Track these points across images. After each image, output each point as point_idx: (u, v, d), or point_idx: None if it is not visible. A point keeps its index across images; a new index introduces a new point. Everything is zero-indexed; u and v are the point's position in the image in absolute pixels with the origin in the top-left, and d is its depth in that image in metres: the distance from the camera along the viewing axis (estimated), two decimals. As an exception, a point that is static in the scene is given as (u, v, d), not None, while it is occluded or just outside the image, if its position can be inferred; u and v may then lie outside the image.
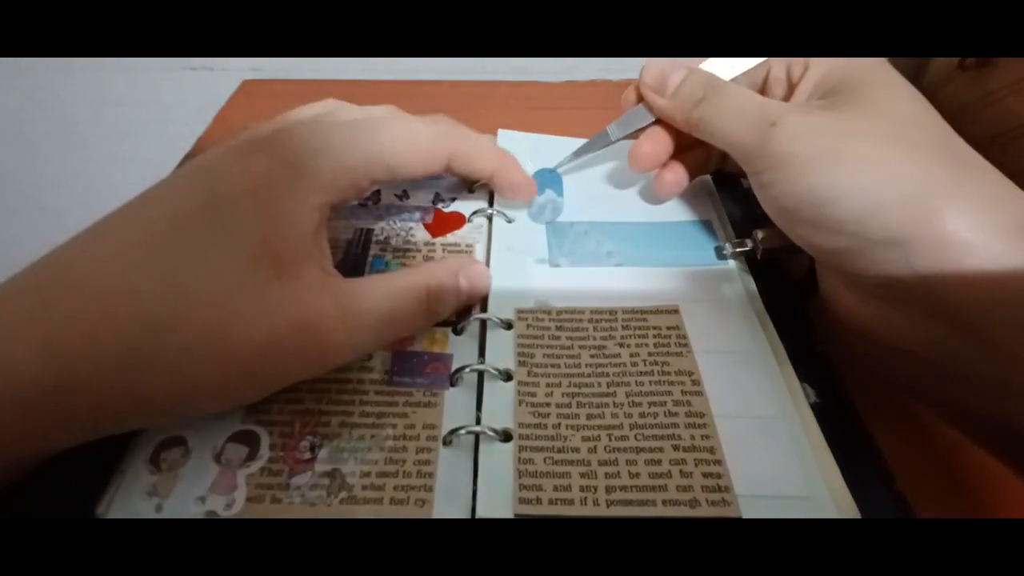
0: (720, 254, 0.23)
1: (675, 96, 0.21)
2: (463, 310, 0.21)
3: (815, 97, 0.19)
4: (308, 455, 0.17)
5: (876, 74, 0.18)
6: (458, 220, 0.25)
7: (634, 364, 0.19)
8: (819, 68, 0.20)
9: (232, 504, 0.16)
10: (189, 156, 0.31)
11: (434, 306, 0.19)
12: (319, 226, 0.17)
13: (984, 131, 0.31)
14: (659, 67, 0.22)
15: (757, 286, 0.21)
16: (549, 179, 0.25)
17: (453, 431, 0.17)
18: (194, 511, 0.15)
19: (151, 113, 0.41)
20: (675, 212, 0.25)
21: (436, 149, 0.20)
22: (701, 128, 0.20)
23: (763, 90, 0.22)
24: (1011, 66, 0.29)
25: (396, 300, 0.17)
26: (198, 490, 0.16)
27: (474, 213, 0.25)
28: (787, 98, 0.21)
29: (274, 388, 0.16)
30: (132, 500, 0.15)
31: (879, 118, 0.17)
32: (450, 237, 0.24)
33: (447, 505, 0.16)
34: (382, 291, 0.17)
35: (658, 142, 0.23)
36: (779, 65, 0.21)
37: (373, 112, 0.21)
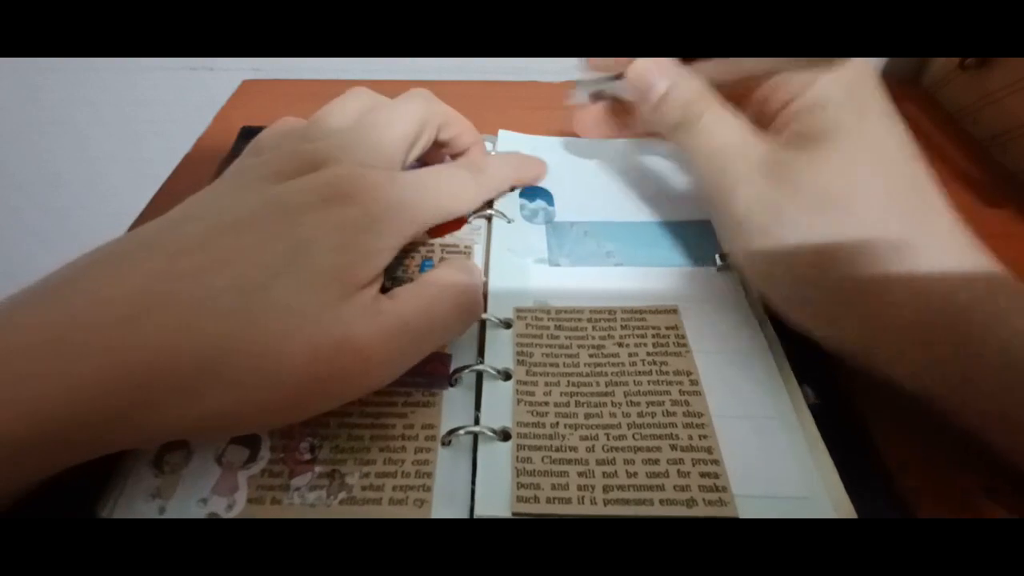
0: (715, 262, 0.23)
1: (655, 111, 0.21)
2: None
3: (794, 127, 0.19)
4: (308, 456, 0.17)
5: (849, 118, 0.18)
6: (457, 221, 0.25)
7: (632, 364, 0.19)
8: (803, 101, 0.19)
9: (233, 505, 0.16)
10: (189, 156, 0.31)
11: (471, 308, 0.19)
12: (387, 263, 0.18)
13: (984, 131, 0.31)
14: (644, 69, 0.21)
15: (756, 286, 0.21)
16: (540, 192, 0.26)
17: (452, 431, 0.17)
18: (196, 513, 0.15)
19: (151, 113, 0.41)
20: (675, 212, 0.25)
21: (479, 197, 0.23)
22: (678, 146, 0.21)
23: (757, 95, 0.22)
24: (1011, 66, 0.29)
25: (434, 311, 0.17)
26: (200, 492, 0.16)
27: (473, 214, 0.25)
28: (778, 111, 0.21)
29: (321, 410, 0.16)
30: (136, 502, 0.16)
31: (834, 181, 0.17)
32: (448, 238, 0.24)
33: (446, 505, 0.16)
34: (419, 306, 0.17)
35: (608, 121, 0.24)
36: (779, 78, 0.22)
37: (406, 106, 0.21)
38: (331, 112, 0.21)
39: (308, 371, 0.15)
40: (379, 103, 0.22)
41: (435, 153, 0.24)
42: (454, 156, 0.25)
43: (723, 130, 0.20)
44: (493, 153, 0.27)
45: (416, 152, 0.22)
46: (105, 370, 0.13)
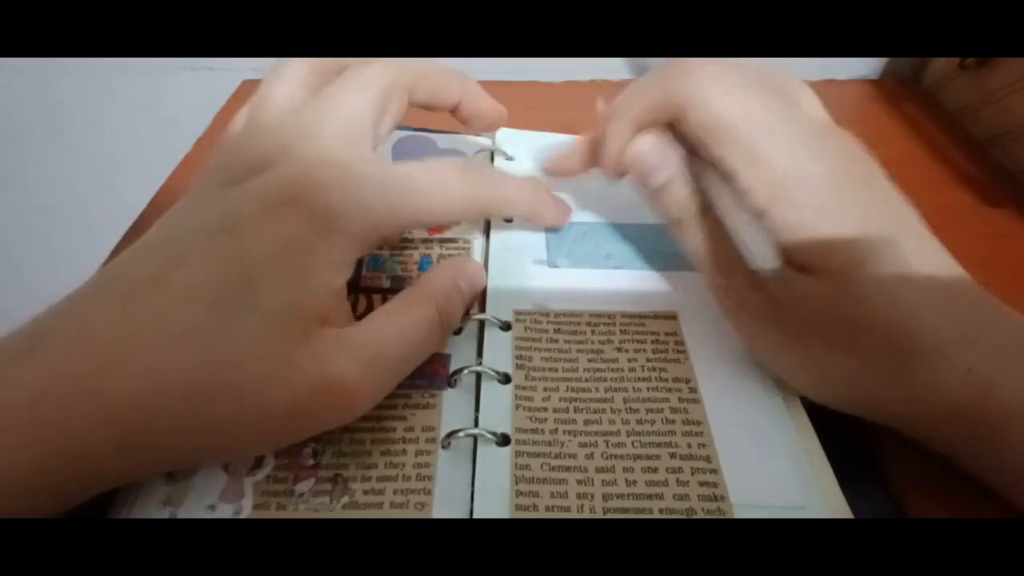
0: None
1: (652, 200, 0.19)
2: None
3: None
4: (311, 462, 0.17)
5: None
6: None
7: (632, 370, 0.19)
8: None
9: (240, 511, 0.16)
10: (189, 156, 0.31)
11: (447, 320, 0.18)
12: (344, 279, 0.17)
13: (984, 131, 0.31)
14: (644, 154, 0.18)
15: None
16: None
17: (451, 433, 0.17)
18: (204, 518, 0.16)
19: (151, 113, 0.41)
20: None
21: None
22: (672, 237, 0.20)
23: None
24: (1011, 66, 0.29)
25: (413, 334, 0.17)
26: (208, 498, 0.16)
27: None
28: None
29: (308, 436, 0.16)
30: (148, 509, 0.16)
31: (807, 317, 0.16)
32: (447, 233, 0.24)
33: (446, 508, 0.16)
34: (396, 331, 0.17)
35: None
36: None
37: (362, 75, 0.18)
38: (271, 93, 0.18)
39: (288, 414, 0.15)
40: (326, 69, 0.19)
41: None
42: (465, 122, 0.22)
43: (711, 243, 0.18)
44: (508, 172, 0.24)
45: (386, 127, 0.19)
46: (90, 417, 0.13)
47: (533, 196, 0.21)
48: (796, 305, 0.16)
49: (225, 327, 0.14)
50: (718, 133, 0.16)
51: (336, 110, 0.17)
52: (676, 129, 0.18)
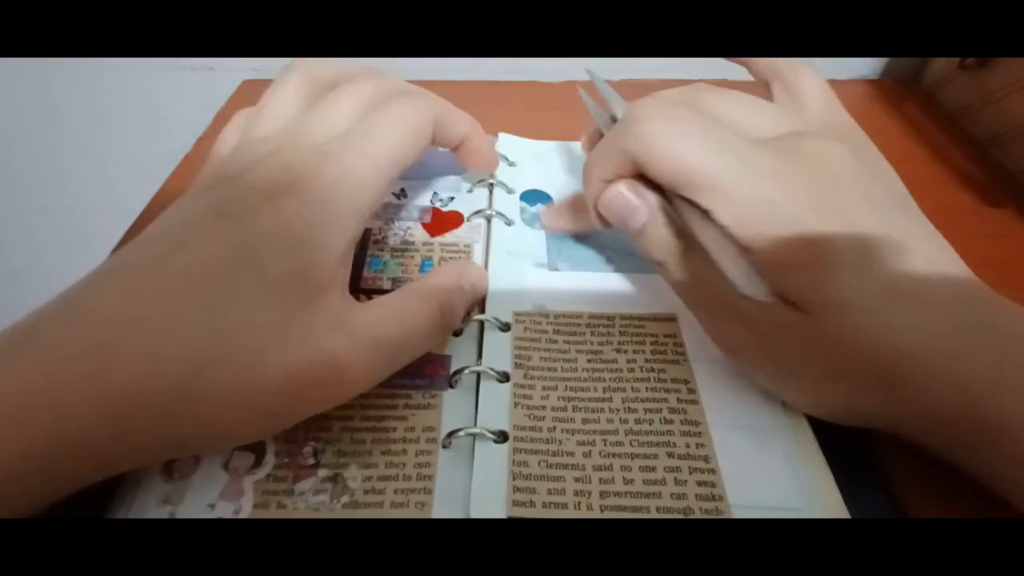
0: None
1: (634, 241, 0.19)
2: (460, 312, 0.21)
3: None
4: (311, 460, 0.17)
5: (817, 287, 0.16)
6: (456, 219, 0.25)
7: (631, 370, 0.19)
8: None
9: (239, 510, 0.16)
10: (189, 156, 0.31)
11: (448, 318, 0.18)
12: (347, 249, 0.17)
13: (984, 131, 0.31)
14: (617, 198, 0.18)
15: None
16: (540, 196, 0.26)
17: (452, 433, 0.17)
18: (204, 517, 0.16)
19: (151, 113, 0.41)
20: None
21: (425, 125, 0.19)
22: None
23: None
24: (1011, 66, 0.29)
25: (411, 323, 0.17)
26: (208, 497, 0.16)
27: (473, 213, 0.25)
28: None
29: (299, 420, 0.16)
30: (147, 508, 0.16)
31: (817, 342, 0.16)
32: (448, 237, 0.24)
33: (446, 507, 0.16)
34: (395, 316, 0.17)
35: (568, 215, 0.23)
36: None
37: (402, 109, 0.19)
38: (268, 109, 0.19)
39: (284, 388, 0.15)
40: (320, 84, 0.19)
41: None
42: (464, 159, 0.23)
43: (704, 287, 0.18)
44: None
45: (405, 165, 0.19)
46: (86, 401, 0.13)
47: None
48: (788, 344, 0.16)
49: (227, 299, 0.14)
50: (683, 179, 0.16)
51: (376, 140, 0.18)
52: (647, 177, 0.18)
